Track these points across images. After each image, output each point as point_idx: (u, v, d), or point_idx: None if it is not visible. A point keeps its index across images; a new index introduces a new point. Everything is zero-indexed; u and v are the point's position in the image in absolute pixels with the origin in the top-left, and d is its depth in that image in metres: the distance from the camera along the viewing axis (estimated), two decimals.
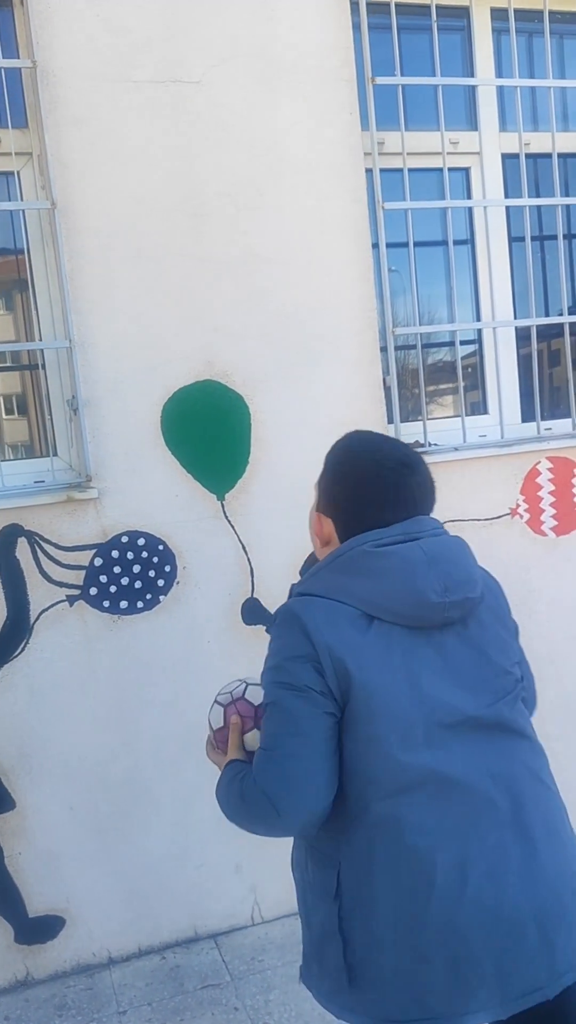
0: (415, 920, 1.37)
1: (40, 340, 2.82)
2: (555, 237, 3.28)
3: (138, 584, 2.78)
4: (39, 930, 2.77)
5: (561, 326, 3.32)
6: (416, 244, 3.06)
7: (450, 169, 3.11)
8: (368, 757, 1.38)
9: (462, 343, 3.36)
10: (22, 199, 2.79)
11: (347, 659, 1.37)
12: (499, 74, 3.34)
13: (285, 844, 3.04)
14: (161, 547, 2.80)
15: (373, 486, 1.50)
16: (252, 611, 2.92)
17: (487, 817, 1.40)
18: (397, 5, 2.96)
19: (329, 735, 1.38)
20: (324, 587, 1.47)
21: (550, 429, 3.33)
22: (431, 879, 1.36)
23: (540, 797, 1.47)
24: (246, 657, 2.91)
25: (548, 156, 3.25)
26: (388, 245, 3.00)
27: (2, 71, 2.68)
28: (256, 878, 2.96)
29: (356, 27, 2.94)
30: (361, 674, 1.36)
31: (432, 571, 1.42)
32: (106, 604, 2.76)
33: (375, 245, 3.00)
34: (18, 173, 2.79)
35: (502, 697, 1.47)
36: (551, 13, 3.16)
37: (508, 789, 1.43)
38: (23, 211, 2.76)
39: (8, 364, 3.01)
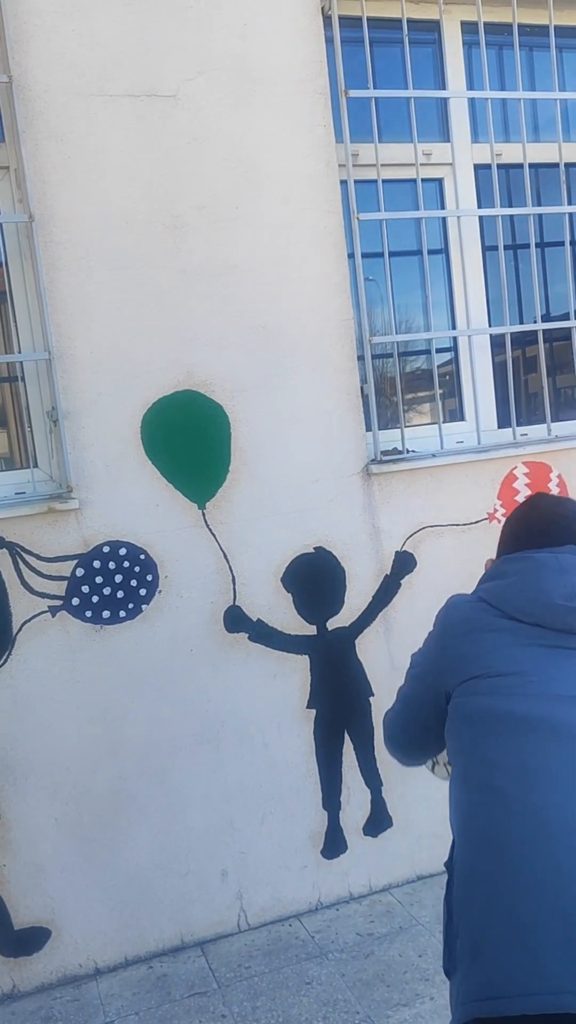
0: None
1: (19, 352, 2.83)
2: (528, 246, 3.34)
3: (120, 594, 2.79)
4: (25, 942, 2.76)
5: (535, 333, 3.37)
6: (391, 254, 3.10)
7: (423, 180, 3.16)
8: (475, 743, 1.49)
9: (438, 351, 3.40)
10: None
11: (467, 653, 1.54)
12: (470, 86, 3.39)
13: (269, 851, 3.07)
14: (143, 556, 2.82)
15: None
16: (234, 619, 2.93)
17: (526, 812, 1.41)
18: (369, 19, 3.00)
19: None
20: (478, 590, 1.64)
21: (526, 435, 3.37)
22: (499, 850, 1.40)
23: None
24: (228, 664, 2.93)
25: (519, 166, 3.30)
26: (364, 255, 3.04)
27: None
28: (242, 885, 2.97)
29: (329, 41, 2.99)
30: (477, 664, 1.51)
31: (561, 578, 1.52)
32: (88, 614, 2.77)
33: (351, 255, 3.04)
34: None
35: None
36: (520, 26, 3.22)
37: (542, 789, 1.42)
38: (1, 224, 2.77)
39: None
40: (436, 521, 3.17)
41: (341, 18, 2.98)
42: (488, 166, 3.27)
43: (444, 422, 3.27)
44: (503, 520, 1.76)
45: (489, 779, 1.43)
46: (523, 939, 1.33)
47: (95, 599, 2.77)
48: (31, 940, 2.76)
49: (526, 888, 1.35)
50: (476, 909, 1.39)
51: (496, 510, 3.25)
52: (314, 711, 3.04)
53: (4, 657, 2.69)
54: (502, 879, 1.37)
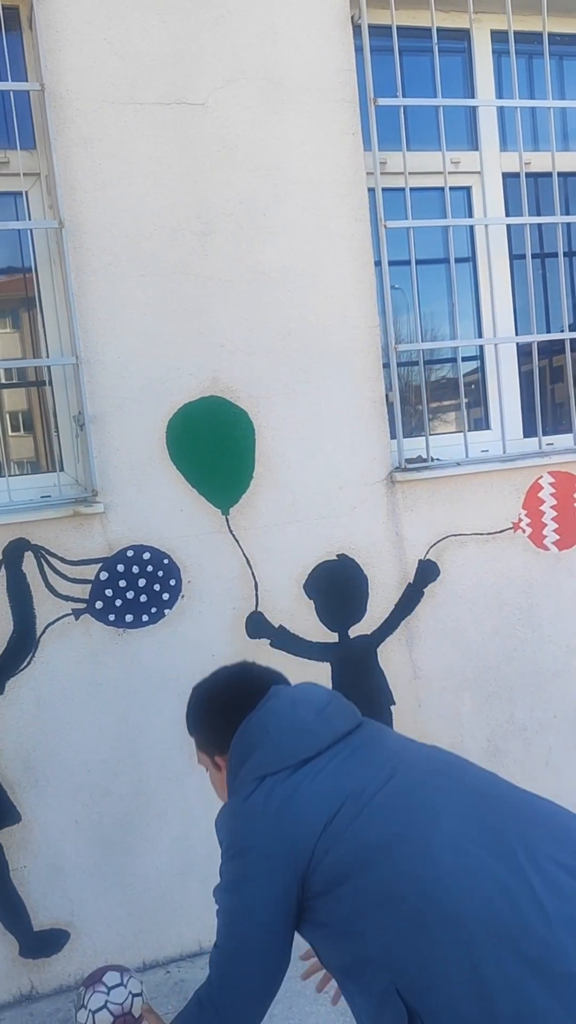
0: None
1: (47, 357, 2.86)
2: (556, 255, 3.32)
3: (143, 598, 2.81)
4: (44, 944, 2.77)
5: (562, 342, 3.35)
6: (418, 262, 3.10)
7: (451, 188, 3.16)
8: None
9: (464, 359, 3.39)
10: (30, 219, 2.84)
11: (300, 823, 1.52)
12: (499, 95, 3.39)
13: None
14: (166, 561, 2.83)
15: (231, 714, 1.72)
16: (256, 624, 2.94)
17: None
18: (399, 28, 3.01)
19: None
20: (247, 777, 1.61)
21: (552, 444, 3.35)
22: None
23: None
24: None
25: (548, 175, 3.29)
26: (390, 263, 3.04)
27: (11, 94, 2.74)
28: None
29: (359, 50, 3.00)
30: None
31: (295, 707, 1.65)
32: (111, 618, 2.78)
33: (377, 263, 3.04)
34: (26, 193, 2.83)
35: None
36: (550, 35, 3.21)
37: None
38: (31, 230, 2.81)
39: (16, 381, 3.05)
40: (460, 530, 3.15)
41: (371, 27, 2.99)
42: (516, 174, 3.26)
43: (469, 431, 3.25)
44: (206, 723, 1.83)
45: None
46: None
47: (118, 603, 2.78)
48: (50, 942, 2.77)
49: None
50: None
51: (521, 520, 3.23)
52: None
53: (28, 659, 2.71)
54: None
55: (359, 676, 3.05)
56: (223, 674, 1.85)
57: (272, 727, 1.61)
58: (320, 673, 3.00)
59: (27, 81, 2.77)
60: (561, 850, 1.39)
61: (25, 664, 2.71)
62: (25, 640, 2.70)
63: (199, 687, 1.86)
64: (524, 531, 3.23)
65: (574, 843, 1.42)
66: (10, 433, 3.02)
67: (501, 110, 3.39)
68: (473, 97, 3.33)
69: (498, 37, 3.33)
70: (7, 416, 3.03)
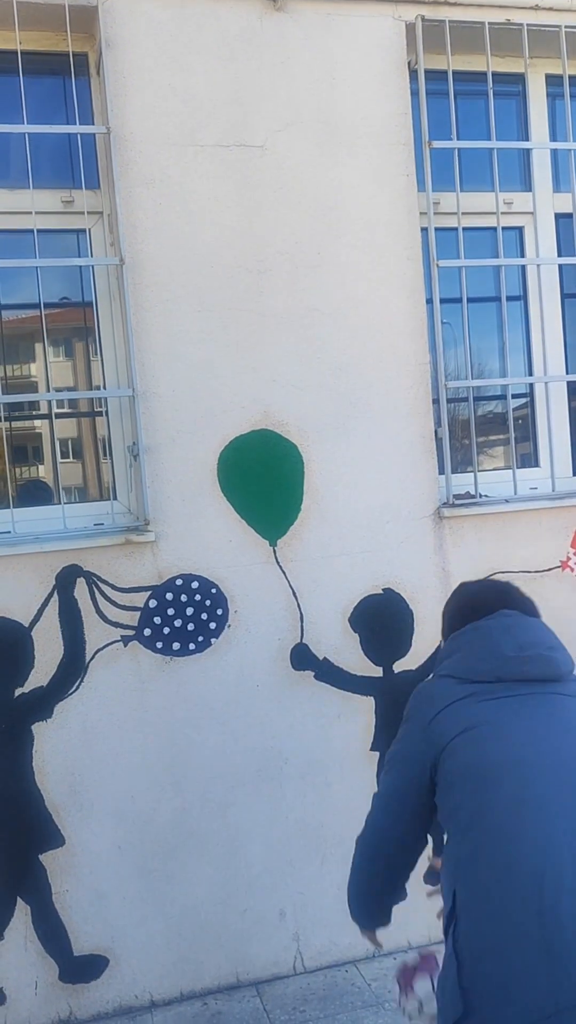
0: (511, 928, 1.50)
1: (104, 388, 2.93)
2: None
3: (191, 626, 2.84)
4: (83, 969, 2.78)
5: None
6: (470, 300, 3.12)
7: (504, 228, 3.19)
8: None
9: (513, 396, 3.40)
10: (92, 255, 2.93)
11: (443, 721, 1.69)
12: (553, 137, 3.42)
13: (328, 893, 3.02)
14: (214, 590, 2.86)
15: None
16: (301, 656, 2.95)
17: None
18: (454, 72, 3.06)
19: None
20: (438, 670, 1.85)
21: None
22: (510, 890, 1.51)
23: None
24: (294, 701, 2.94)
25: None
26: (442, 301, 3.07)
27: (78, 136, 2.84)
28: (299, 926, 2.95)
29: (414, 93, 3.06)
30: (456, 725, 1.67)
31: (506, 635, 1.76)
32: (159, 645, 2.82)
33: (429, 301, 3.08)
34: (89, 231, 2.93)
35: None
36: None
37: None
38: (92, 266, 2.90)
39: (74, 411, 3.13)
40: (507, 567, 3.14)
41: (427, 71, 3.04)
42: (569, 215, 3.28)
43: (518, 468, 3.25)
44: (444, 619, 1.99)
45: (489, 824, 1.55)
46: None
47: (166, 631, 2.82)
48: (90, 967, 2.78)
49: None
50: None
51: (569, 558, 3.21)
52: (378, 754, 3.03)
53: (76, 684, 2.75)
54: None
55: (403, 711, 3.04)
56: (481, 584, 2.02)
57: (473, 644, 1.78)
58: (364, 707, 3.00)
59: (93, 124, 2.88)
60: None
61: (74, 689, 2.75)
62: (75, 665, 2.75)
63: (464, 585, 2.02)
64: (573, 570, 3.21)
65: None
66: (67, 460, 3.10)
67: (554, 152, 3.42)
68: (527, 139, 3.37)
69: (552, 81, 3.37)
70: (68, 444, 3.10)
